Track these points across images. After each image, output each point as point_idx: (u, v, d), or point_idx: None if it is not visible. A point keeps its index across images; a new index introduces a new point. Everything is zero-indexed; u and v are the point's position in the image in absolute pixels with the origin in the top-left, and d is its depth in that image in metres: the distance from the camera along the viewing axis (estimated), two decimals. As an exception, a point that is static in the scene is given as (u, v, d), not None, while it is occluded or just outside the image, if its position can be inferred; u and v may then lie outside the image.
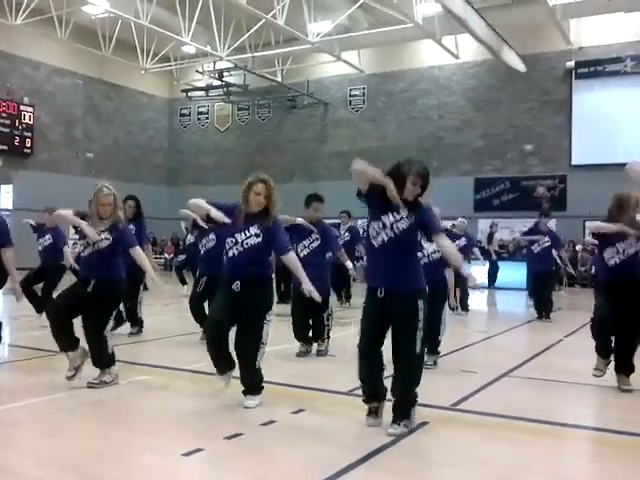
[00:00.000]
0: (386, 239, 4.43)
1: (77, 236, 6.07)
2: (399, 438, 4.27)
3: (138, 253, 5.78)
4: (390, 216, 4.43)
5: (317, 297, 5.10)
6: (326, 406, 5.21)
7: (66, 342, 5.61)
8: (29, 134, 23.17)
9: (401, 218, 4.42)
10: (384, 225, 4.44)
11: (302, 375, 6.25)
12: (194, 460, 3.85)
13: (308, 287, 5.06)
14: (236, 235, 5.05)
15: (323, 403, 5.28)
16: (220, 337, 5.04)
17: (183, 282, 15.25)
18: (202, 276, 8.01)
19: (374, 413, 4.63)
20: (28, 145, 23.19)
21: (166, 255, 24.07)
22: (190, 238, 16.19)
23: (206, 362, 6.46)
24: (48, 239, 9.41)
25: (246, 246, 5.02)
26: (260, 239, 5.03)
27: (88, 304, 5.58)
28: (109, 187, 5.74)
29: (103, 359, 5.65)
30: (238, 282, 5.01)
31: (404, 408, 4.46)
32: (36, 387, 5.60)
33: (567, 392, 6.01)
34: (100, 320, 5.63)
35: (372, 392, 4.65)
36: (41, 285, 9.47)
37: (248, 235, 5.03)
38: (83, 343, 5.69)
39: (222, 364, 5.14)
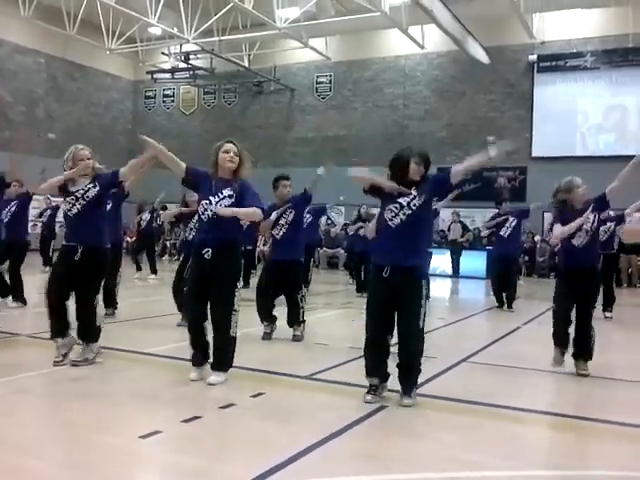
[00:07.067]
0: (404, 218, 4.72)
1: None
2: (358, 422, 4.36)
3: (126, 166, 5.81)
4: (406, 197, 4.72)
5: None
6: (286, 390, 5.29)
7: (59, 328, 5.64)
8: (-10, 113, 22.74)
9: (414, 197, 4.71)
10: (401, 205, 4.72)
11: (263, 359, 6.31)
12: (151, 442, 3.88)
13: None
14: (210, 197, 5.20)
15: (283, 387, 5.35)
16: (200, 330, 5.29)
17: (138, 267, 15.32)
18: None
19: (374, 390, 4.83)
20: (-12, 124, 22.77)
21: (128, 239, 23.77)
22: (146, 217, 16.09)
23: (167, 345, 6.53)
24: (14, 206, 9.22)
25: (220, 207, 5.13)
26: (233, 200, 5.18)
27: (77, 274, 5.60)
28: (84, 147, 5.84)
29: (91, 332, 5.71)
30: (209, 249, 5.13)
31: (411, 379, 4.77)
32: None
33: (524, 377, 6.16)
34: (90, 290, 5.69)
35: (376, 369, 4.84)
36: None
37: (222, 197, 5.18)
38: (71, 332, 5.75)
39: (200, 352, 5.30)
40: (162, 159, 5.39)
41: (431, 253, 5.18)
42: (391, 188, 4.73)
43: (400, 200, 4.74)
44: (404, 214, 4.72)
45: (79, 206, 5.67)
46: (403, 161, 4.79)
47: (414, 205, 4.71)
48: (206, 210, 5.20)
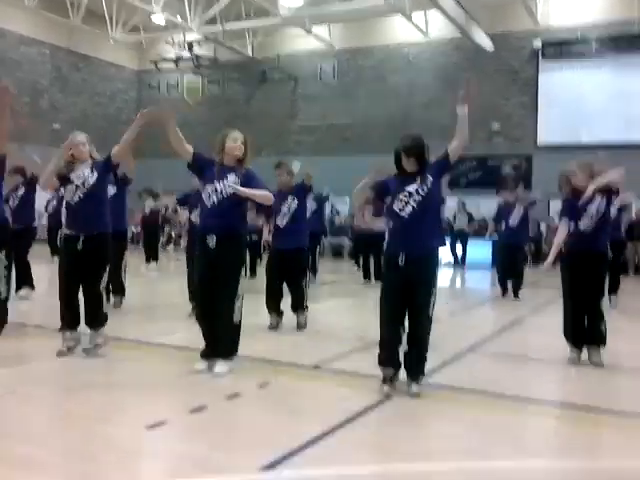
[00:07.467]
0: (415, 205, 4.75)
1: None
2: (364, 412, 4.38)
3: (118, 145, 5.83)
4: (413, 184, 4.76)
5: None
6: (292, 380, 5.31)
7: (69, 321, 5.71)
8: (-6, 103, 22.72)
9: (421, 183, 4.76)
10: (410, 193, 4.76)
11: (269, 349, 6.33)
12: (158, 432, 3.90)
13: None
14: (216, 183, 5.23)
15: (289, 377, 5.38)
16: (210, 321, 5.29)
17: (148, 259, 15.29)
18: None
19: (389, 380, 4.84)
20: (-8, 114, 22.73)
21: (133, 228, 23.70)
22: (149, 203, 16.14)
23: (174, 335, 6.57)
24: (22, 190, 9.16)
25: (225, 194, 5.19)
26: (238, 186, 5.20)
27: (81, 263, 5.64)
28: (81, 133, 5.88)
29: (98, 318, 5.76)
30: (214, 236, 5.17)
31: (419, 367, 4.82)
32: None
33: (530, 367, 6.17)
34: (95, 276, 5.73)
35: (391, 358, 4.84)
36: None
37: (226, 184, 5.21)
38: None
39: (210, 345, 5.31)
40: (170, 135, 5.28)
41: (444, 240, 5.20)
42: (376, 174, 4.90)
43: (408, 188, 4.76)
44: (415, 201, 4.74)
45: (80, 194, 5.73)
46: (396, 155, 4.87)
47: (423, 191, 4.74)
48: (210, 196, 5.23)
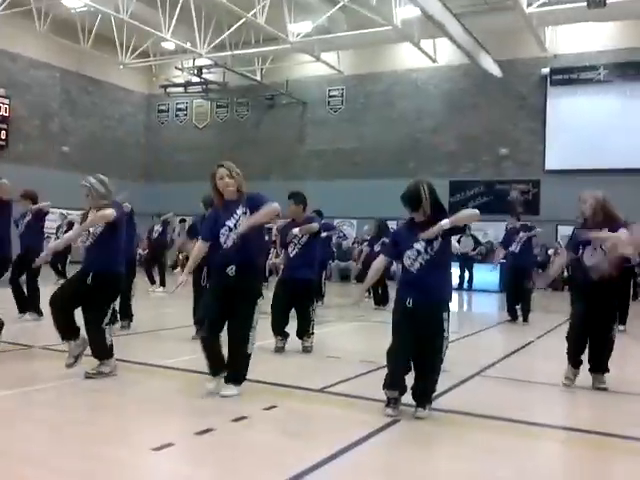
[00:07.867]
0: (423, 263, 4.78)
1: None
2: (370, 436, 4.34)
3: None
4: (421, 243, 4.77)
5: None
6: (298, 403, 5.27)
7: (67, 331, 5.71)
8: (4, 126, 22.94)
9: (431, 242, 4.76)
10: (418, 252, 4.79)
11: (276, 372, 6.29)
12: (164, 455, 3.87)
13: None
14: (227, 223, 5.23)
15: (296, 400, 5.34)
16: (215, 338, 5.26)
17: (152, 281, 15.31)
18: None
19: (394, 403, 4.82)
20: (3, 137, 22.95)
21: (140, 251, 23.65)
22: (158, 229, 16.32)
23: (181, 358, 6.54)
24: (29, 217, 9.29)
25: (239, 231, 5.17)
26: (248, 215, 5.19)
27: (87, 296, 5.69)
28: (85, 181, 5.88)
29: (102, 351, 5.76)
30: (233, 266, 5.16)
31: (426, 397, 4.85)
32: (5, 380, 5.58)
33: (538, 391, 6.13)
34: (98, 313, 5.74)
35: (396, 382, 4.81)
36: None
37: (237, 218, 5.21)
38: (83, 332, 5.76)
39: (216, 365, 5.28)
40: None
41: (452, 294, 5.17)
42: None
43: (417, 247, 4.79)
44: (423, 259, 4.78)
45: (92, 239, 5.84)
46: None
47: (430, 251, 4.77)
48: (227, 238, 5.23)
